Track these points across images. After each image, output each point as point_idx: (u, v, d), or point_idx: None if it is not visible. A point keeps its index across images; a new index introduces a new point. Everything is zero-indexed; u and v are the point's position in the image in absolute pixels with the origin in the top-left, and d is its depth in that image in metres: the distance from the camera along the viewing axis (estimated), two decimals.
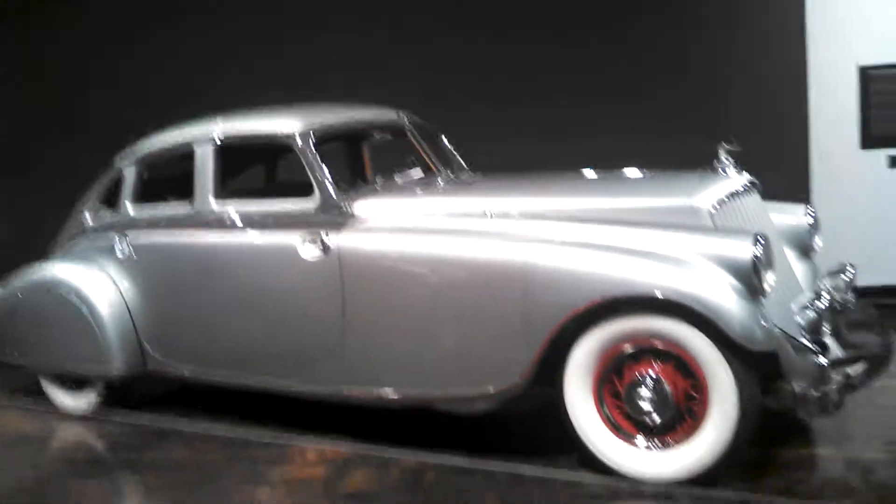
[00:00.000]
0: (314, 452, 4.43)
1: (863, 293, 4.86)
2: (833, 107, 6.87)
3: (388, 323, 4.30)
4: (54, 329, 5.27)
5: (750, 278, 3.73)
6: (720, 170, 4.45)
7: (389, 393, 4.33)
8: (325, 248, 4.43)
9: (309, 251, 4.48)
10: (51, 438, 5.12)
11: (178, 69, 7.43)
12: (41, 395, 5.51)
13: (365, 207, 4.52)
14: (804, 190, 6.71)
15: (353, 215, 4.49)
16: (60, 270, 5.35)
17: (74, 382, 5.37)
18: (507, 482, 3.94)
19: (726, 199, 4.17)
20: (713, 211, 4.04)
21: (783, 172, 6.13)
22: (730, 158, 4.48)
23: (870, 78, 6.85)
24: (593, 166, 4.97)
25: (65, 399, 5.42)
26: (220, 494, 4.04)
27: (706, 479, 3.72)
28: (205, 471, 4.33)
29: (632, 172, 4.83)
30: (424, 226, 4.34)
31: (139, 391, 5.34)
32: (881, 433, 4.47)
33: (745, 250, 3.75)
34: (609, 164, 4.97)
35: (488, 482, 3.96)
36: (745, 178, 4.45)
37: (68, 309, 5.19)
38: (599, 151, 5.44)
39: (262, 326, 4.69)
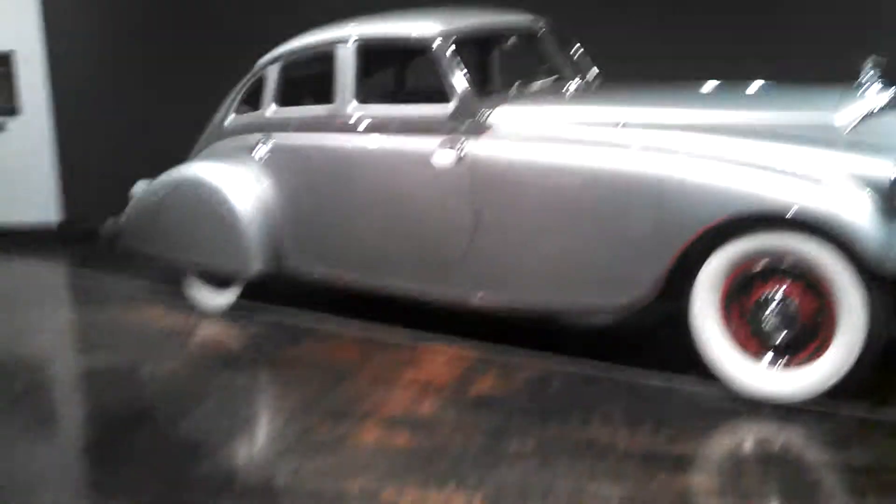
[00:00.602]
0: (443, 356, 4.64)
1: None
2: None
3: (520, 231, 4.40)
4: (197, 227, 5.57)
5: (890, 200, 3.64)
6: (864, 83, 4.29)
7: (519, 300, 4.47)
8: (461, 154, 4.53)
9: (443, 157, 4.59)
10: (193, 334, 5.47)
11: None
12: (182, 293, 5.87)
13: (500, 115, 4.58)
14: None
15: (488, 123, 4.55)
16: (204, 170, 5.63)
17: (216, 281, 5.70)
18: (628, 393, 4.07)
19: (869, 115, 4.05)
20: (854, 127, 3.93)
21: None
22: (876, 71, 4.31)
23: None
24: (722, 78, 4.86)
25: (205, 296, 5.77)
26: (353, 393, 4.30)
27: (826, 400, 3.73)
28: (339, 369, 4.59)
29: (764, 86, 4.71)
30: (559, 135, 4.37)
31: (276, 291, 5.60)
32: None
33: (886, 169, 3.66)
34: (742, 76, 4.85)
35: (611, 392, 4.10)
36: (890, 92, 4.27)
37: (211, 207, 5.47)
38: (731, 63, 5.28)
39: (395, 230, 4.86)
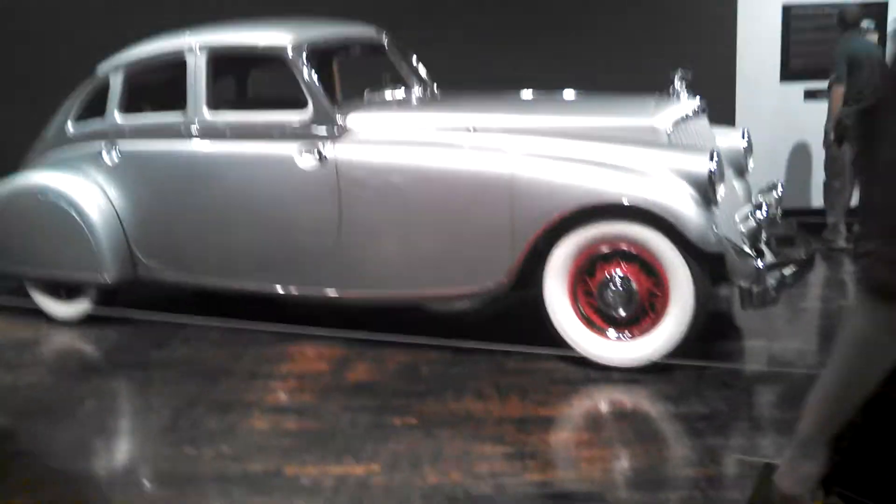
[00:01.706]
0: (313, 349, 4.88)
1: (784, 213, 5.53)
2: (758, 43, 7.47)
3: (383, 228, 4.73)
4: (44, 237, 5.46)
5: (706, 189, 4.30)
6: (674, 93, 4.99)
7: (383, 292, 4.79)
8: (322, 159, 4.80)
9: (306, 161, 4.84)
10: (48, 344, 5.37)
11: None
12: (27, 305, 5.70)
13: (357, 120, 4.89)
14: (730, 116, 7.33)
15: (346, 127, 4.85)
16: (48, 178, 5.52)
17: (65, 290, 5.61)
18: (495, 369, 4.50)
19: (682, 120, 4.73)
20: (670, 130, 4.59)
21: (712, 99, 6.71)
22: (683, 82, 5.02)
23: (791, 16, 7.47)
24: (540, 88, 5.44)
25: (56, 307, 5.65)
26: (233, 387, 4.45)
27: (666, 362, 4.33)
28: (212, 368, 4.71)
29: (586, 94, 5.33)
30: (416, 139, 4.75)
31: (129, 298, 5.58)
32: (801, 330, 5.20)
33: (702, 164, 4.32)
34: (558, 86, 5.45)
35: (478, 370, 4.51)
36: (697, 101, 5.00)
37: (59, 216, 5.39)
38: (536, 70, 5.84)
39: (257, 232, 5.03)
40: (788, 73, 7.57)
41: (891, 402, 1.48)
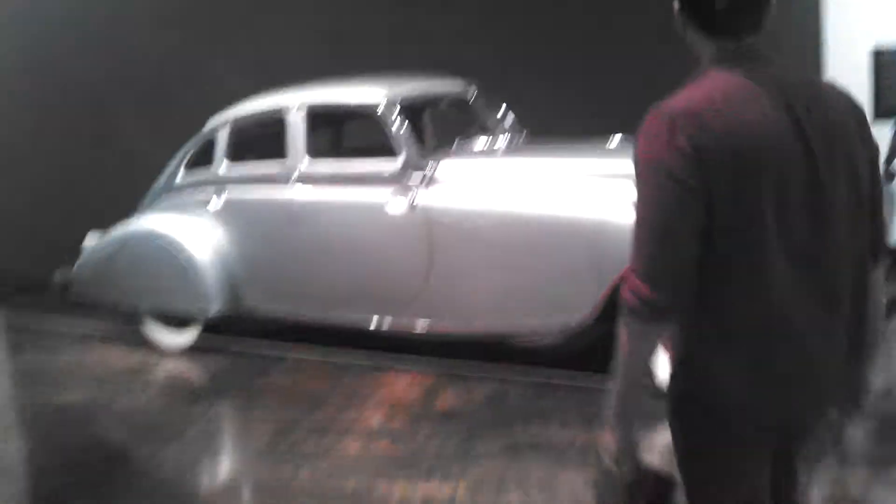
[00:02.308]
0: (404, 378, 5.12)
1: None
2: (848, 86, 7.48)
3: (470, 268, 4.97)
4: (157, 274, 5.91)
5: None
6: None
7: (472, 327, 5.02)
8: (412, 204, 5.09)
9: (397, 206, 5.13)
10: (157, 372, 5.76)
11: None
12: (139, 334, 6.12)
13: (445, 168, 5.18)
14: None
15: (435, 175, 5.14)
16: (160, 221, 6.00)
17: (174, 321, 6.01)
18: (579, 399, 4.63)
19: None
20: None
21: None
22: None
23: (881, 61, 7.48)
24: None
25: (164, 336, 6.06)
26: (329, 413, 4.72)
27: None
28: (311, 396, 4.99)
29: None
30: (501, 185, 5.00)
31: (234, 330, 5.94)
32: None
33: None
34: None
35: (563, 399, 4.67)
36: None
37: (169, 255, 5.84)
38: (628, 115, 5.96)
39: (351, 272, 5.33)
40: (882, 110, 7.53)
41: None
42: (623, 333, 1.79)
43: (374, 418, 4.61)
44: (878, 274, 1.93)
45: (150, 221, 6.07)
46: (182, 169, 6.15)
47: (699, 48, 1.87)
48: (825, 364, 1.83)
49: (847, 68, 7.48)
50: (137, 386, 5.42)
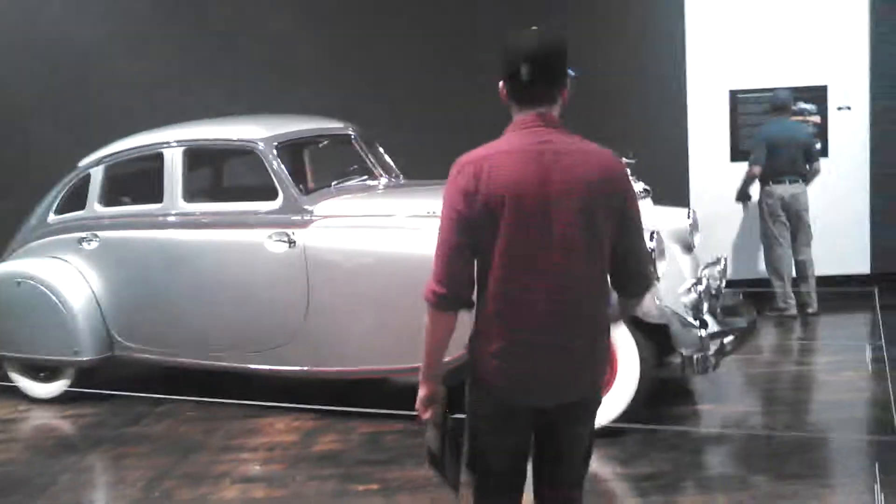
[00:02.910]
0: (282, 422, 5.11)
1: (730, 283, 5.86)
2: (708, 126, 7.94)
3: (348, 307, 5.01)
4: (25, 320, 5.73)
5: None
6: None
7: (348, 368, 5.05)
8: (292, 244, 5.11)
9: (276, 246, 5.15)
10: (26, 420, 5.58)
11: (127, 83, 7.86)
12: (8, 382, 5.92)
13: (325, 207, 5.23)
14: (684, 195, 7.74)
15: (314, 214, 5.18)
16: (29, 265, 5.83)
17: (43, 371, 5.83)
18: None
19: None
20: None
21: (667, 180, 7.11)
22: (627, 169, 5.39)
23: (738, 101, 7.96)
24: None
25: (34, 387, 5.86)
26: (205, 460, 4.66)
27: (614, 427, 4.59)
28: (184, 443, 4.92)
29: None
30: (379, 224, 5.08)
31: (106, 376, 5.81)
32: (749, 394, 5.49)
33: None
34: None
35: None
36: (640, 185, 5.37)
37: (40, 301, 5.67)
38: None
39: (230, 313, 5.30)
40: (738, 153, 7.99)
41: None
42: (426, 319, 2.53)
43: (252, 464, 4.59)
44: (624, 302, 2.67)
45: (18, 265, 5.89)
46: (53, 210, 5.99)
47: (513, 114, 2.50)
48: (556, 364, 2.46)
49: (709, 110, 7.95)
50: (4, 437, 5.23)
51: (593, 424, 2.67)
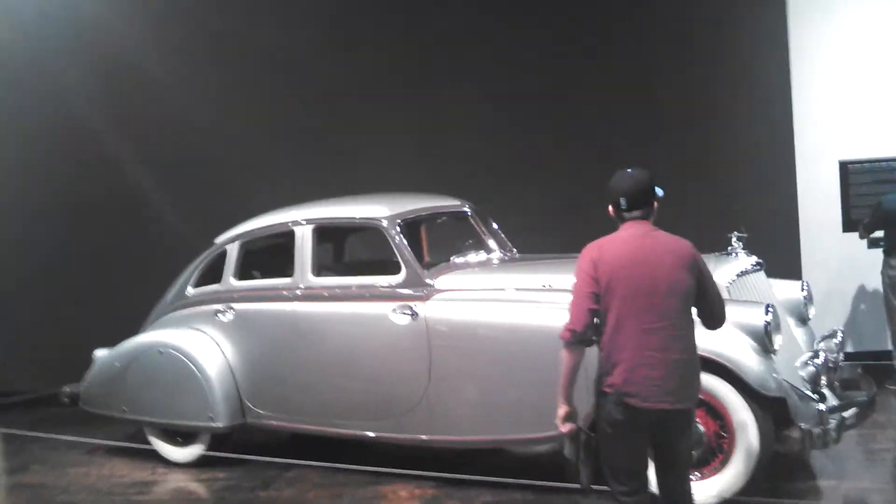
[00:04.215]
0: (405, 490, 5.32)
1: (848, 356, 5.83)
2: (818, 196, 7.92)
3: (468, 378, 5.23)
4: (165, 388, 6.13)
5: (763, 340, 4.71)
6: (732, 252, 5.46)
7: (469, 437, 5.24)
8: (414, 316, 5.38)
9: (399, 318, 5.42)
10: (164, 483, 5.93)
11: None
12: (147, 445, 6.33)
13: (445, 281, 5.49)
14: (797, 268, 7.71)
15: (434, 288, 5.45)
16: (170, 335, 6.25)
17: (180, 436, 6.22)
18: None
19: (739, 276, 5.17)
20: (729, 285, 5.03)
21: (779, 253, 7.13)
22: (739, 243, 5.50)
23: (849, 171, 7.94)
24: None
25: (171, 451, 6.25)
26: None
27: (735, 501, 4.62)
28: None
29: None
30: (498, 297, 5.31)
31: (238, 442, 6.15)
32: (871, 470, 5.41)
33: (758, 317, 4.74)
34: None
35: None
36: (753, 258, 5.46)
37: (179, 369, 6.07)
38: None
39: (354, 383, 5.59)
40: (850, 223, 7.92)
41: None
42: (562, 354, 3.55)
43: None
44: (709, 331, 3.75)
45: (160, 335, 6.32)
46: (191, 283, 6.43)
47: (617, 222, 3.65)
48: (660, 384, 3.41)
49: (816, 180, 7.93)
50: (144, 498, 5.57)
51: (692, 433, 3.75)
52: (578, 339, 3.50)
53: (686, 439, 3.63)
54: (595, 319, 3.50)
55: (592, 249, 3.57)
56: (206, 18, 8.50)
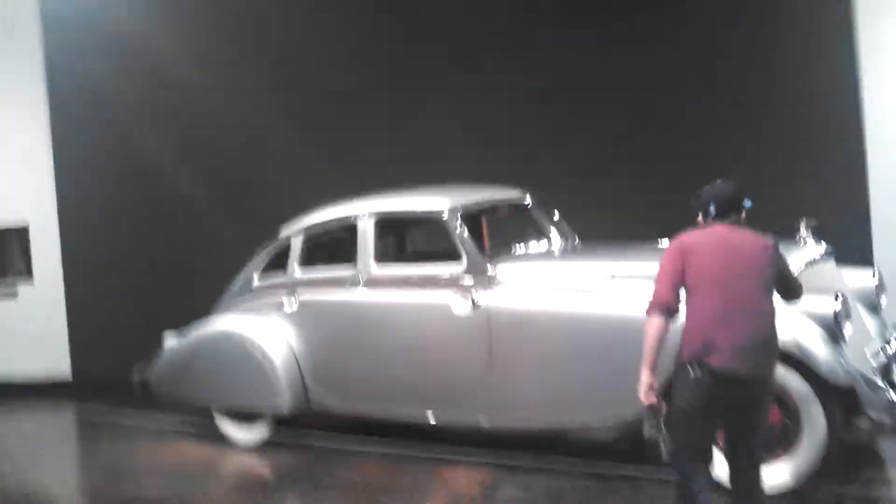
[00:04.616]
0: (463, 471, 5.36)
1: None
2: (890, 180, 7.70)
3: (529, 366, 5.23)
4: (233, 372, 6.26)
5: (833, 328, 4.61)
6: (800, 240, 5.35)
7: (528, 422, 5.25)
8: (475, 305, 5.40)
9: (461, 307, 5.45)
10: (230, 464, 6.07)
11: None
12: (214, 428, 6.49)
13: (505, 270, 5.50)
14: (869, 256, 7.52)
15: (496, 277, 5.46)
16: (237, 322, 6.39)
17: (247, 419, 6.35)
18: (634, 491, 4.84)
19: (808, 265, 5.07)
20: (800, 273, 4.92)
21: (850, 241, 6.96)
22: (810, 230, 5.39)
23: None
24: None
25: (237, 432, 6.40)
26: None
27: (802, 490, 4.54)
28: (375, 491, 5.24)
29: None
30: (559, 286, 5.30)
31: (302, 426, 6.26)
32: None
33: (828, 306, 4.64)
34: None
35: (617, 492, 4.85)
36: (823, 246, 5.35)
37: (245, 354, 6.20)
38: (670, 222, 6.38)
39: (415, 370, 5.63)
40: None
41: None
42: (646, 323, 3.73)
43: None
44: (787, 304, 4.03)
45: (228, 322, 6.46)
46: (258, 273, 6.55)
47: (702, 221, 3.89)
48: (740, 351, 3.58)
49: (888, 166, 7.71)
50: (211, 480, 5.72)
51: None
52: (663, 308, 3.69)
53: (762, 413, 3.74)
54: (679, 296, 3.73)
55: (681, 238, 3.82)
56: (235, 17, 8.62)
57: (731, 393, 3.60)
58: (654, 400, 3.68)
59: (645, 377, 3.68)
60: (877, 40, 7.70)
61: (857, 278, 5.62)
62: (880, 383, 4.66)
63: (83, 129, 8.92)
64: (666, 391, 3.95)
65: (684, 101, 7.86)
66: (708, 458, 3.72)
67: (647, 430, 3.76)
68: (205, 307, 6.89)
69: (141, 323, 8.05)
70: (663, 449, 3.71)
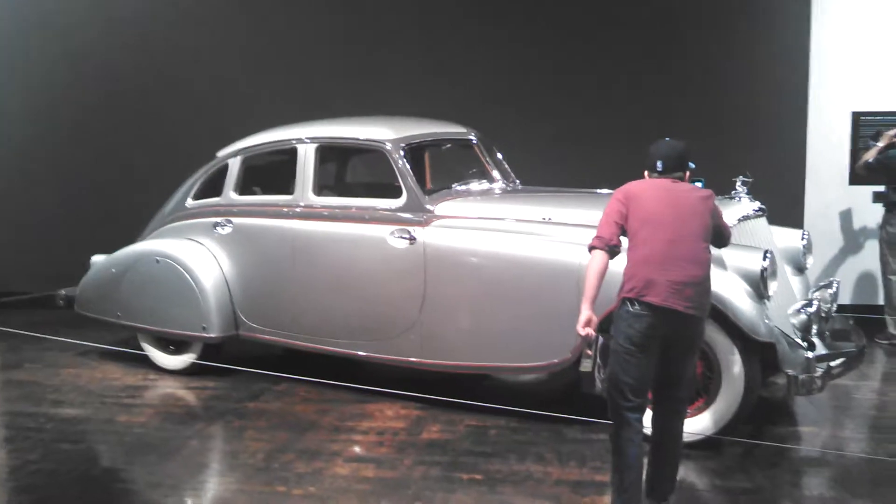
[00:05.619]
0: (391, 409, 5.39)
1: (841, 308, 5.84)
2: (827, 147, 7.86)
3: (462, 305, 5.26)
4: (160, 296, 6.17)
5: (758, 285, 4.70)
6: (735, 196, 5.43)
7: (458, 361, 5.28)
8: (412, 240, 5.38)
9: (397, 242, 5.42)
10: (156, 389, 6.02)
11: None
12: (140, 351, 6.42)
13: (445, 208, 5.48)
14: (799, 216, 7.69)
15: (434, 214, 5.43)
16: (167, 245, 6.27)
17: (173, 343, 6.28)
18: (556, 438, 4.93)
19: (740, 220, 5.15)
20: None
21: (783, 200, 7.10)
22: (744, 188, 5.46)
23: (860, 123, 7.85)
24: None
25: (163, 358, 6.33)
26: (319, 438, 4.98)
27: (717, 439, 4.68)
28: (301, 421, 5.26)
29: None
30: (497, 226, 5.30)
31: (230, 353, 6.23)
32: (853, 419, 5.47)
33: (756, 262, 4.73)
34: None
35: (540, 437, 4.94)
36: (756, 204, 5.43)
37: (175, 278, 6.11)
38: (613, 171, 6.42)
39: (349, 303, 5.62)
40: (857, 177, 7.86)
41: None
42: (589, 260, 3.87)
43: (362, 445, 4.87)
44: (720, 250, 4.42)
45: (158, 244, 6.34)
46: (191, 195, 6.42)
47: (648, 175, 4.08)
48: (679, 289, 3.73)
49: (826, 130, 7.86)
50: (135, 404, 5.66)
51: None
52: (605, 245, 3.83)
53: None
54: (620, 237, 3.88)
55: (627, 185, 3.99)
56: None
57: (667, 329, 3.74)
58: (592, 333, 3.77)
59: (584, 311, 3.76)
60: (828, 3, 7.79)
61: (786, 238, 5.74)
62: (799, 341, 4.80)
63: (12, 46, 8.69)
64: (604, 328, 4.12)
65: (629, 53, 7.91)
66: (643, 399, 3.79)
67: (584, 364, 4.03)
68: (135, 228, 6.76)
69: (67, 246, 7.93)
70: (598, 384, 3.98)
